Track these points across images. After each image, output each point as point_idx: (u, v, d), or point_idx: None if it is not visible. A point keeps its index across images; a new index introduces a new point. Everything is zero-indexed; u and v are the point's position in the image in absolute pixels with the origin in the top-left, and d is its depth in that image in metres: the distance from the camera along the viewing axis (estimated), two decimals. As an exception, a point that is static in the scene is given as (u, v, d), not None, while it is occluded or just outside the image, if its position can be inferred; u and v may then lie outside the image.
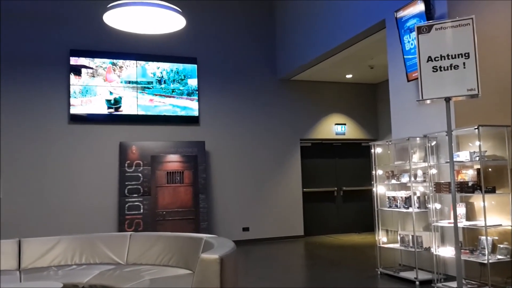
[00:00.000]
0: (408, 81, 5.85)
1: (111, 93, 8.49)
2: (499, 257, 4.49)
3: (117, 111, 8.52)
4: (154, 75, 8.85)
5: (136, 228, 8.20)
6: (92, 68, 8.45)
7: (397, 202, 5.71)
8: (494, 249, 4.57)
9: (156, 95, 8.82)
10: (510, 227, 4.52)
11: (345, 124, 10.36)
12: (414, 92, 5.82)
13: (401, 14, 5.87)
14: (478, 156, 4.60)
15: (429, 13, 5.46)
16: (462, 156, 4.81)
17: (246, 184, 9.40)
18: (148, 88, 8.78)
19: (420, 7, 5.53)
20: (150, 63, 8.86)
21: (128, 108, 8.61)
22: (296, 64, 8.96)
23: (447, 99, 3.90)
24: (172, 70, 8.96)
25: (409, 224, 5.73)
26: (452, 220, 4.29)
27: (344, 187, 10.31)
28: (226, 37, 9.52)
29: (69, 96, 8.33)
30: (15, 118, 8.07)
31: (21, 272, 4.14)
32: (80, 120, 8.39)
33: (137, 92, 8.69)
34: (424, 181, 5.45)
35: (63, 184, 8.24)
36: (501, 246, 4.54)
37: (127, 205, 8.28)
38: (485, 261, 4.41)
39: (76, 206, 8.26)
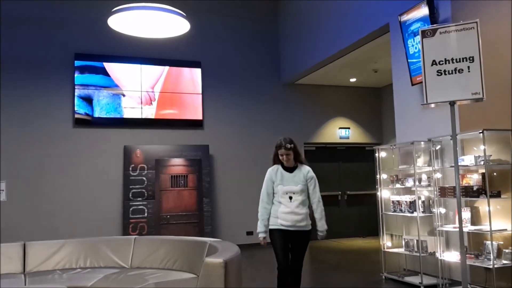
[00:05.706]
0: (412, 85, 5.85)
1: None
2: (505, 262, 4.46)
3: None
4: (158, 78, 8.89)
5: (140, 232, 8.21)
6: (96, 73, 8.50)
7: (401, 206, 5.69)
8: (499, 254, 4.54)
9: (160, 98, 8.84)
10: (515, 232, 4.49)
11: (349, 128, 10.34)
12: (419, 96, 5.80)
13: (405, 18, 5.87)
14: (483, 160, 4.58)
15: (433, 17, 5.46)
16: (467, 160, 4.79)
17: (250, 188, 9.36)
18: (152, 91, 8.81)
19: (424, 11, 5.53)
20: (155, 66, 8.89)
21: (132, 111, 8.64)
22: (300, 68, 8.96)
23: (452, 103, 3.89)
24: (176, 74, 9.00)
25: (413, 228, 5.71)
26: (457, 225, 4.27)
27: (348, 191, 10.27)
28: (230, 41, 9.54)
29: (73, 100, 8.36)
30: (19, 122, 8.10)
31: (26, 275, 4.14)
32: (84, 124, 8.42)
33: (141, 94, 8.72)
34: (429, 185, 5.42)
35: (68, 188, 8.26)
36: (507, 251, 4.51)
37: (131, 209, 8.29)
38: (491, 266, 4.38)
39: (80, 210, 8.27)
